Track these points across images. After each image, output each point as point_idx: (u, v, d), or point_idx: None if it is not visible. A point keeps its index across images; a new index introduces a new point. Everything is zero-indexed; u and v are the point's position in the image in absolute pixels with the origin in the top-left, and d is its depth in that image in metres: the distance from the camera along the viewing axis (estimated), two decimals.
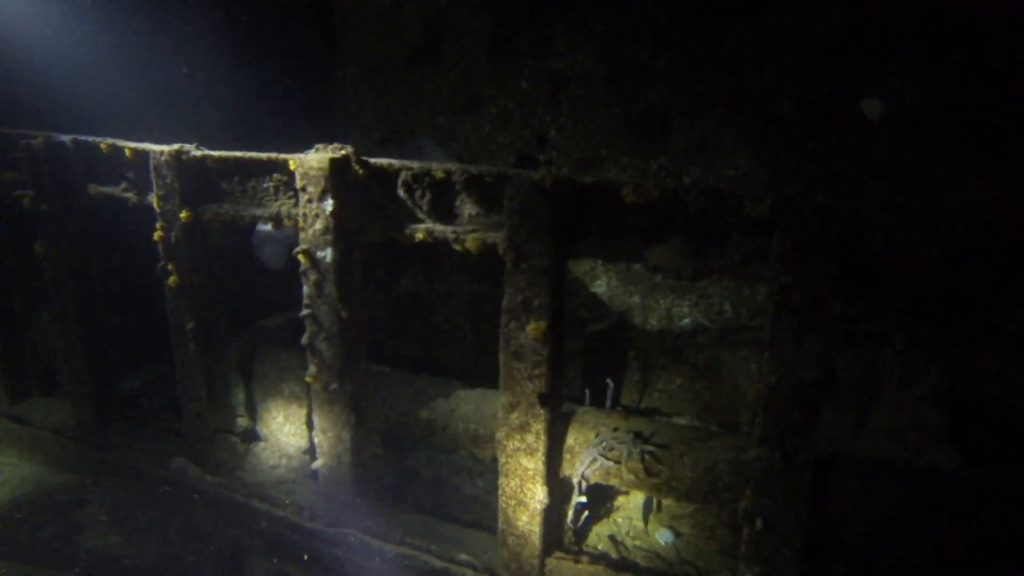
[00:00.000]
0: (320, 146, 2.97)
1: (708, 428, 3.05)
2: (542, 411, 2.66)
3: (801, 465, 2.43)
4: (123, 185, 3.40)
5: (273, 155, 3.06)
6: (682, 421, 3.31)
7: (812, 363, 2.32)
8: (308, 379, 2.99)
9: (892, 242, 2.22)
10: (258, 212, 3.13)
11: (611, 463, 2.68)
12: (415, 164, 2.87)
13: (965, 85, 2.82)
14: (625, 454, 2.63)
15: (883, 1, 2.97)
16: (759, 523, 2.48)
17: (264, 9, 4.26)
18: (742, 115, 3.37)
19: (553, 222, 2.49)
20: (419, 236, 2.88)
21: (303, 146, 2.95)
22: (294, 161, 2.93)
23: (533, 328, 2.56)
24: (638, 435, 2.70)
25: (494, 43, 3.79)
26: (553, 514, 2.86)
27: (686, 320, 3.43)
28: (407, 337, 4.12)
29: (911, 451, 2.85)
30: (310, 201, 2.89)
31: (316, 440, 3.12)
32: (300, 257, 2.90)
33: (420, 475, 3.58)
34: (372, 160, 2.96)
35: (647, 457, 2.61)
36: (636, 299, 3.52)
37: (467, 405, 3.11)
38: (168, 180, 3.16)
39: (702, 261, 2.50)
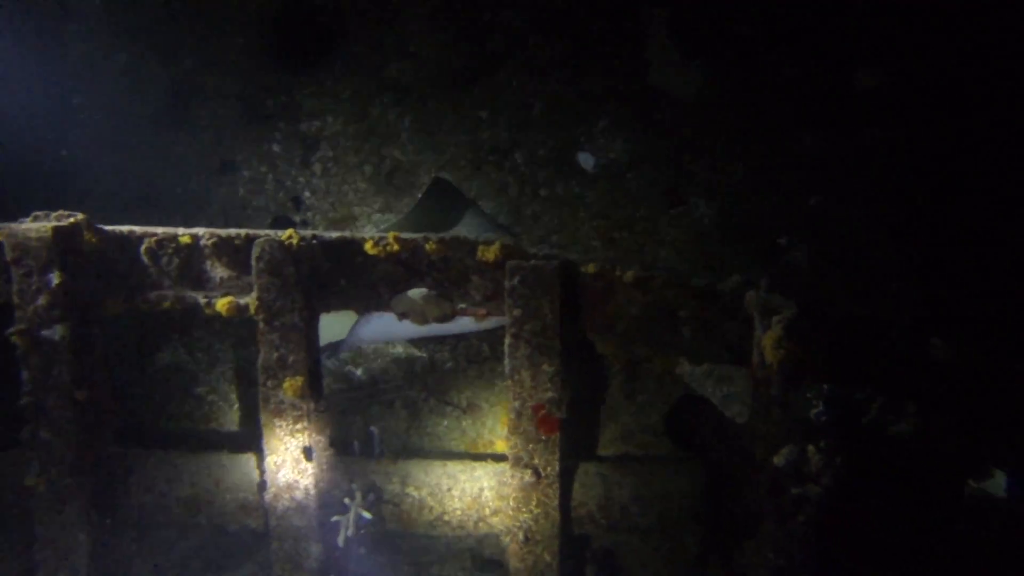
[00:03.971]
0: (39, 214, 2.77)
1: (476, 459, 3.26)
2: (309, 465, 2.68)
3: (551, 478, 2.71)
4: None
5: None
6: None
7: (548, 385, 2.63)
8: (29, 482, 2.68)
9: (598, 277, 2.63)
10: None
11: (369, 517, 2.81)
12: (159, 230, 2.80)
13: (649, 144, 3.47)
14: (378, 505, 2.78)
15: (585, 70, 3.52)
16: (521, 536, 2.71)
17: None
18: (483, 169, 3.73)
19: (302, 279, 2.57)
20: (167, 304, 2.80)
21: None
22: (3, 232, 2.68)
23: (290, 384, 2.59)
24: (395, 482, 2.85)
25: (245, 106, 3.81)
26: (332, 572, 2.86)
27: (448, 364, 3.65)
28: (169, 413, 3.89)
29: (640, 448, 3.41)
30: (28, 275, 2.66)
31: (37, 555, 2.73)
32: (16, 339, 2.65)
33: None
34: (110, 228, 2.83)
35: (403, 502, 2.77)
36: (399, 350, 3.68)
37: (233, 475, 3.02)
38: None
39: (447, 304, 2.73)
